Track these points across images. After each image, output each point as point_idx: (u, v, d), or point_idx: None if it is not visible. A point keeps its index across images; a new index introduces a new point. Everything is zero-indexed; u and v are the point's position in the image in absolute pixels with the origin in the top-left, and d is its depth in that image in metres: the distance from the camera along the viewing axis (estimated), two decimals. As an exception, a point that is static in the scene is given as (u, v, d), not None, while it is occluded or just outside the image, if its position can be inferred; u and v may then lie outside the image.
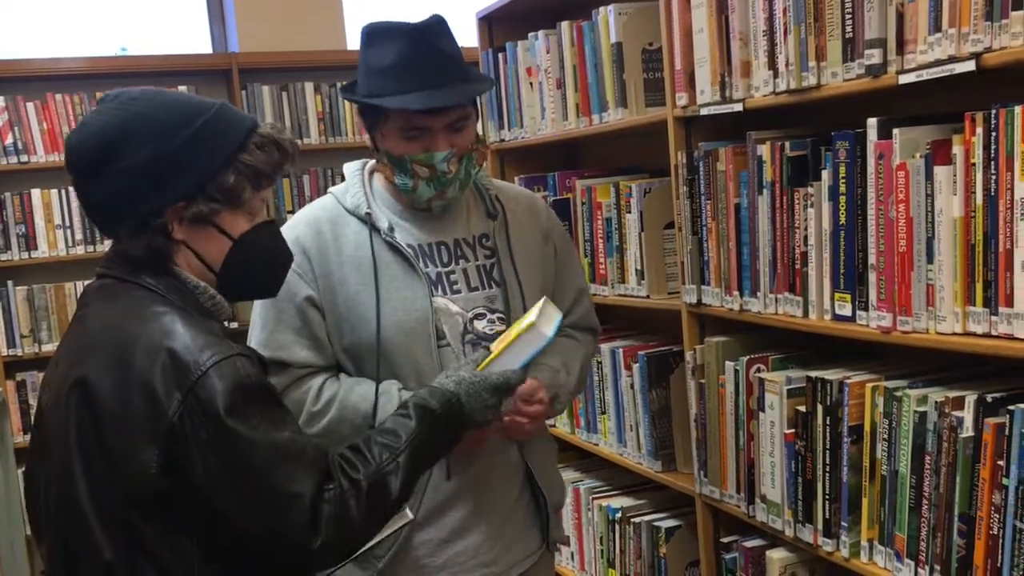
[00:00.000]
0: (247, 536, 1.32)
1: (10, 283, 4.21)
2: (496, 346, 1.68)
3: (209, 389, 1.28)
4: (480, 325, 1.83)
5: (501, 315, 1.84)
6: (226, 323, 1.52)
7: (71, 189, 4.26)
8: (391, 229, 1.81)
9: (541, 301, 1.71)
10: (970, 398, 1.59)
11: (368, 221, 1.80)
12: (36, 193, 4.24)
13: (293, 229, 1.80)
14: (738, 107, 2.00)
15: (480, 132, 1.94)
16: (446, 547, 1.83)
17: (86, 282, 4.75)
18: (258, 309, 1.81)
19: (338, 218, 1.82)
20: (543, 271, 1.93)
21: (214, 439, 1.27)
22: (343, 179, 1.91)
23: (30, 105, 4.20)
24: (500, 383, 1.58)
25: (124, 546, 1.30)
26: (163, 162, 1.34)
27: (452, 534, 1.82)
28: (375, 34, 1.77)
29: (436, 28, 1.75)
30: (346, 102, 4.62)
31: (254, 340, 1.79)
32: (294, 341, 1.77)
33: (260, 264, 1.48)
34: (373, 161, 1.90)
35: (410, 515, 1.63)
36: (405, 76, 1.71)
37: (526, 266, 1.89)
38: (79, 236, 4.30)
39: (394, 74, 1.72)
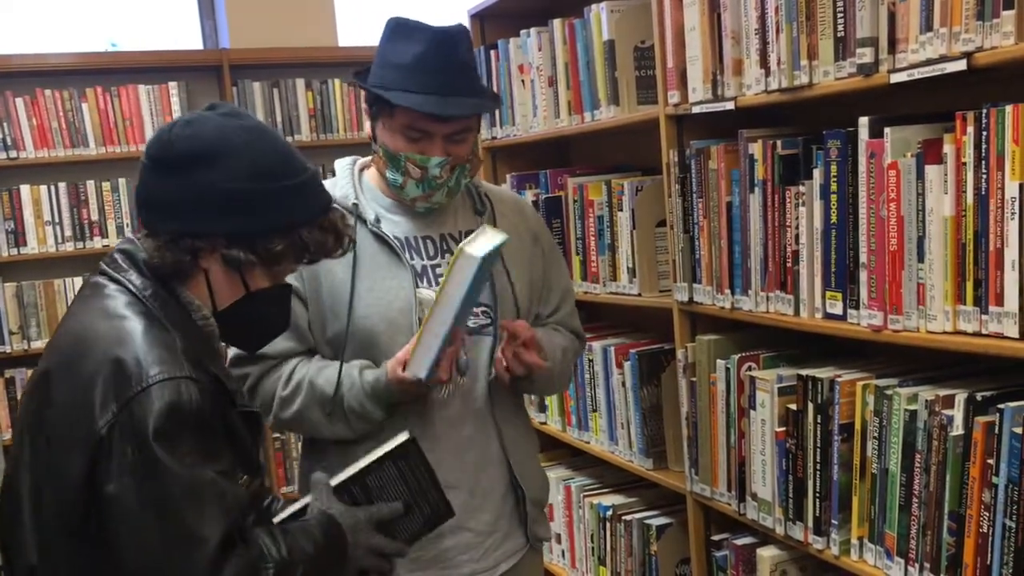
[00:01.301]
0: (139, 571, 1.25)
1: (-1, 279, 4.19)
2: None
3: (144, 407, 1.24)
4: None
5: (486, 309, 1.86)
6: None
7: (60, 185, 4.25)
8: (377, 220, 1.83)
9: (479, 228, 1.73)
10: (960, 397, 1.60)
11: (355, 212, 1.82)
12: (25, 189, 4.21)
13: None
14: (730, 105, 2.00)
15: (478, 143, 1.94)
16: (437, 541, 1.83)
17: (75, 279, 4.70)
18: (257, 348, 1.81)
19: None
20: (530, 269, 1.95)
21: (135, 460, 1.23)
22: (333, 175, 1.93)
23: (19, 101, 4.17)
24: (380, 516, 1.51)
25: (49, 551, 1.28)
26: (241, 198, 1.34)
27: (444, 528, 1.81)
28: (399, 29, 1.78)
29: (459, 37, 1.78)
30: (337, 97, 4.61)
31: None
32: None
33: (259, 323, 1.48)
34: (364, 159, 1.93)
35: (407, 434, 1.56)
36: (420, 77, 1.73)
37: (513, 264, 1.90)
38: (68, 232, 4.28)
39: (410, 72, 1.73)
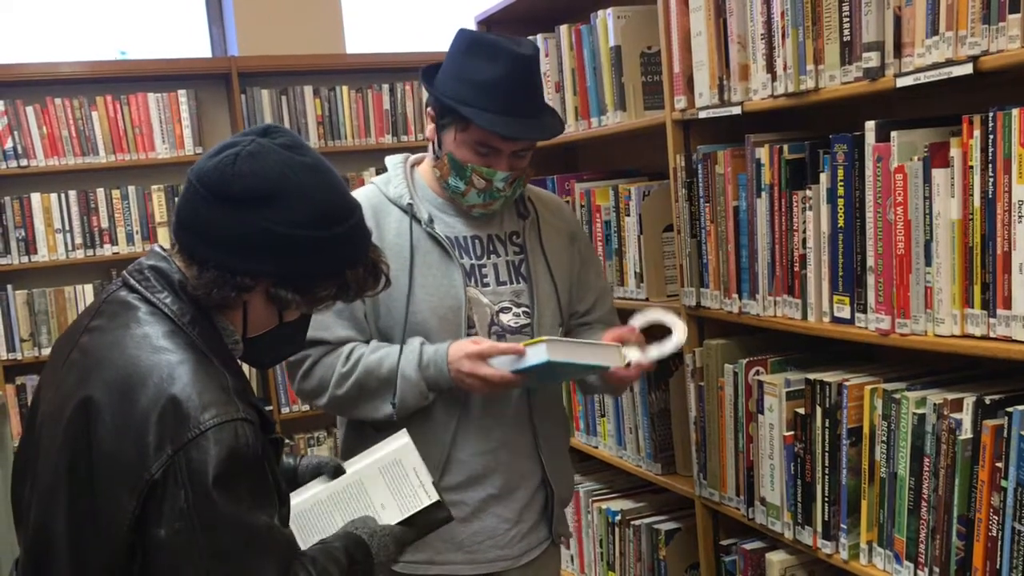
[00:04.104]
0: None
1: (10, 287, 4.21)
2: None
3: (203, 451, 1.21)
4: (506, 318, 1.91)
5: (527, 309, 1.92)
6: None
7: (71, 193, 4.27)
8: (431, 220, 1.89)
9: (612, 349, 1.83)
10: (968, 400, 1.60)
11: (409, 212, 1.88)
12: (36, 197, 4.24)
13: None
14: (736, 110, 2.01)
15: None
16: (463, 526, 1.88)
17: (86, 286, 4.68)
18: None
19: (380, 206, 1.90)
20: (569, 270, 2.02)
21: (190, 506, 1.20)
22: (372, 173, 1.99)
23: (29, 109, 4.20)
24: (401, 536, 1.54)
25: None
26: (299, 243, 1.31)
27: (472, 513, 1.89)
28: (479, 45, 1.82)
29: (534, 60, 1.82)
30: (344, 104, 4.63)
31: None
32: (334, 322, 1.85)
33: (282, 347, 1.49)
34: (414, 156, 2.00)
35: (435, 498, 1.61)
36: (499, 97, 1.77)
37: (555, 265, 1.97)
38: (79, 240, 4.30)
39: (490, 92, 1.77)
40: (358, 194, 1.92)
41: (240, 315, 1.38)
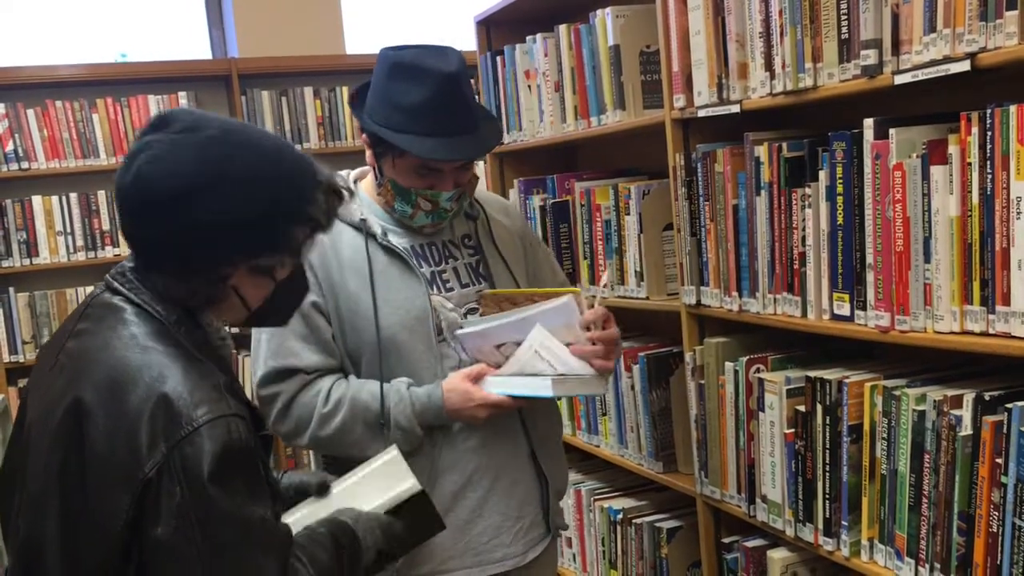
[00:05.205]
0: None
1: (11, 289, 4.22)
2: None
3: (197, 447, 1.20)
4: (473, 319, 1.90)
5: None
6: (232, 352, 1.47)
7: (72, 196, 4.28)
8: (384, 234, 1.87)
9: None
10: (968, 396, 1.60)
11: (363, 227, 1.85)
12: (37, 200, 4.25)
13: None
14: (735, 108, 2.01)
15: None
16: (467, 528, 1.87)
17: (87, 288, 4.72)
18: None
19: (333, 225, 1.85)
20: (525, 266, 2.03)
21: (187, 503, 1.20)
22: None
23: (30, 112, 4.21)
24: (387, 524, 1.52)
25: None
26: (242, 217, 1.27)
27: (474, 512, 1.88)
28: (400, 68, 1.77)
29: (461, 75, 1.78)
30: (347, 107, 4.63)
31: (263, 350, 1.82)
32: (302, 348, 1.81)
33: (291, 302, 1.47)
34: (356, 171, 1.97)
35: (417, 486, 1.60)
36: (431, 121, 1.75)
37: (512, 262, 1.98)
38: (80, 242, 4.31)
39: (420, 116, 1.75)
40: None
41: (236, 301, 1.35)
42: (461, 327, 1.88)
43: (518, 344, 1.83)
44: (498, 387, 1.80)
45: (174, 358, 1.26)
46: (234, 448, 1.23)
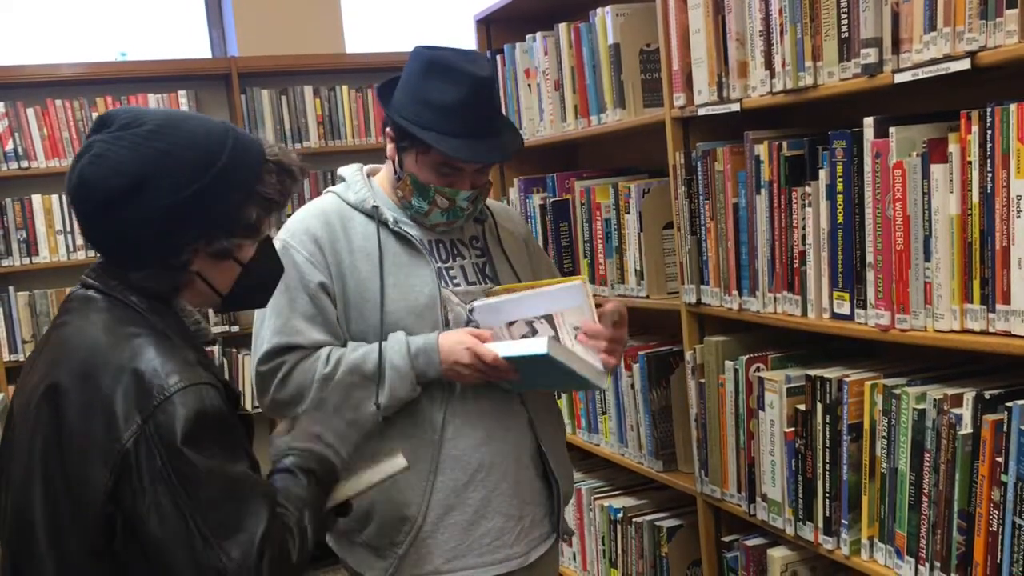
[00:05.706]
0: (183, 573, 1.24)
1: (11, 288, 4.22)
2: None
3: (170, 415, 1.23)
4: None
5: None
6: (211, 344, 1.48)
7: (72, 194, 4.29)
8: (396, 222, 1.89)
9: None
10: (968, 395, 1.60)
11: (375, 215, 1.87)
12: (37, 199, 4.24)
13: (302, 222, 1.88)
14: (735, 107, 2.01)
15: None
16: (471, 528, 1.88)
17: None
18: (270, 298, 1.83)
19: (343, 212, 1.89)
20: (528, 270, 2.05)
21: (167, 467, 1.22)
22: (336, 182, 1.99)
23: (30, 111, 4.21)
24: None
25: (67, 572, 1.27)
26: (188, 205, 1.31)
27: (476, 512, 1.88)
28: (436, 67, 1.80)
29: (493, 81, 1.82)
30: (344, 103, 4.63)
31: (267, 328, 1.83)
32: (307, 327, 1.83)
33: (264, 282, 1.50)
34: (368, 166, 2.00)
35: (404, 462, 1.59)
36: (460, 121, 1.78)
37: (518, 265, 2.01)
38: (80, 241, 4.30)
39: (451, 116, 1.77)
40: (318, 203, 1.93)
41: (202, 284, 1.39)
42: (472, 309, 1.89)
43: (529, 323, 1.86)
44: (493, 348, 1.80)
45: (146, 338, 1.30)
46: (207, 413, 1.26)
